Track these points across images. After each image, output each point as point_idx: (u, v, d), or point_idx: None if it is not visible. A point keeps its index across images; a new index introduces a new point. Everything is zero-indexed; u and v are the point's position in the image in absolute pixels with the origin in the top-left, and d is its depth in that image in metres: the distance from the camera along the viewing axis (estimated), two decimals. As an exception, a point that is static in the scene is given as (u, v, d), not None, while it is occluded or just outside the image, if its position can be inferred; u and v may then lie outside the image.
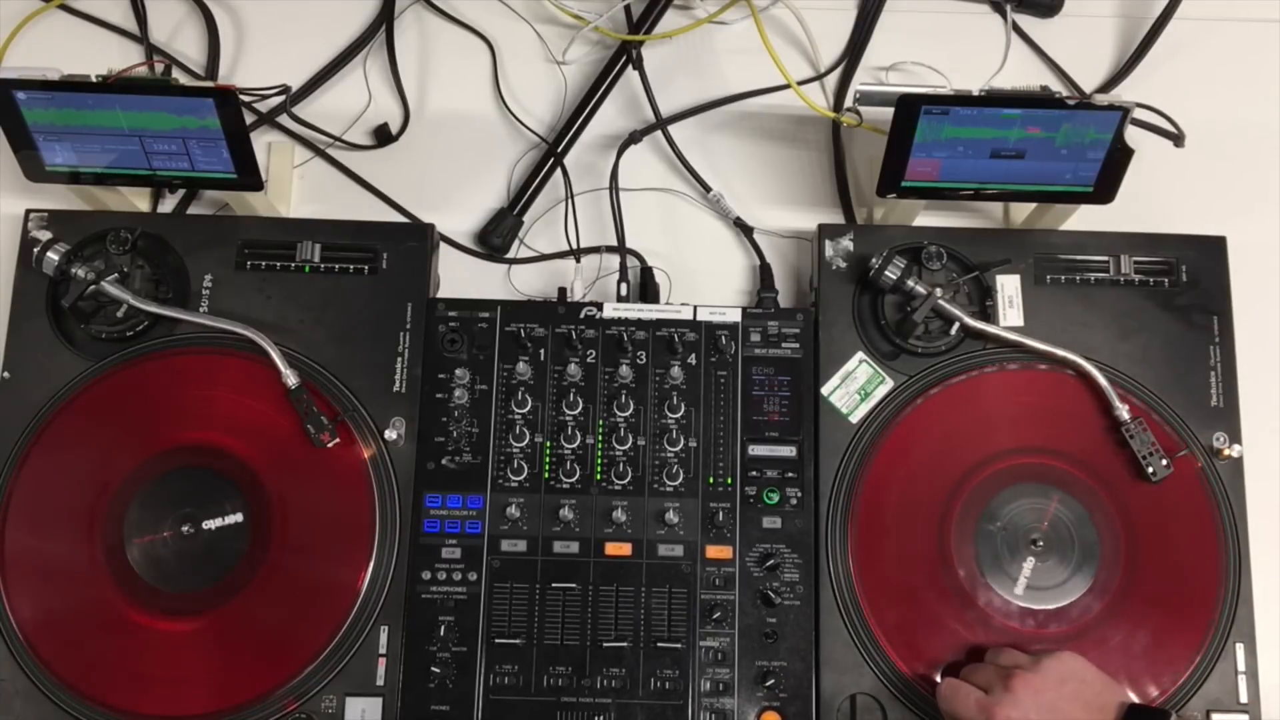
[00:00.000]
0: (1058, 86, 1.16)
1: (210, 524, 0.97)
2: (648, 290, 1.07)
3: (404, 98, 1.16)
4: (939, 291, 1.00)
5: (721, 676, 0.95)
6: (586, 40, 1.18)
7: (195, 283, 1.03)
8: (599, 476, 0.99)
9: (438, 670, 0.95)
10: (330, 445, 0.98)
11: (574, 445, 1.00)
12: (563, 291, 1.05)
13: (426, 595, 0.97)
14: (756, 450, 1.00)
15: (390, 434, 0.99)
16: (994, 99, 0.95)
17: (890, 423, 1.01)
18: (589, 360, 1.02)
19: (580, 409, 1.00)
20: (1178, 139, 1.04)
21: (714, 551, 0.98)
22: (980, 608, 0.97)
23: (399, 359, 1.01)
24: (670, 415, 1.00)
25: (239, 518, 0.97)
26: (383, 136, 1.15)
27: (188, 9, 1.18)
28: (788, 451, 1.00)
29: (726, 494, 0.99)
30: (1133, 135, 0.97)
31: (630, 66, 1.13)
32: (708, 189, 1.13)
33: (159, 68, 1.14)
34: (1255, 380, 1.04)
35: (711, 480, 0.99)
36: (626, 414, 1.00)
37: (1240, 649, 0.97)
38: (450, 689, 0.95)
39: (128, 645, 0.96)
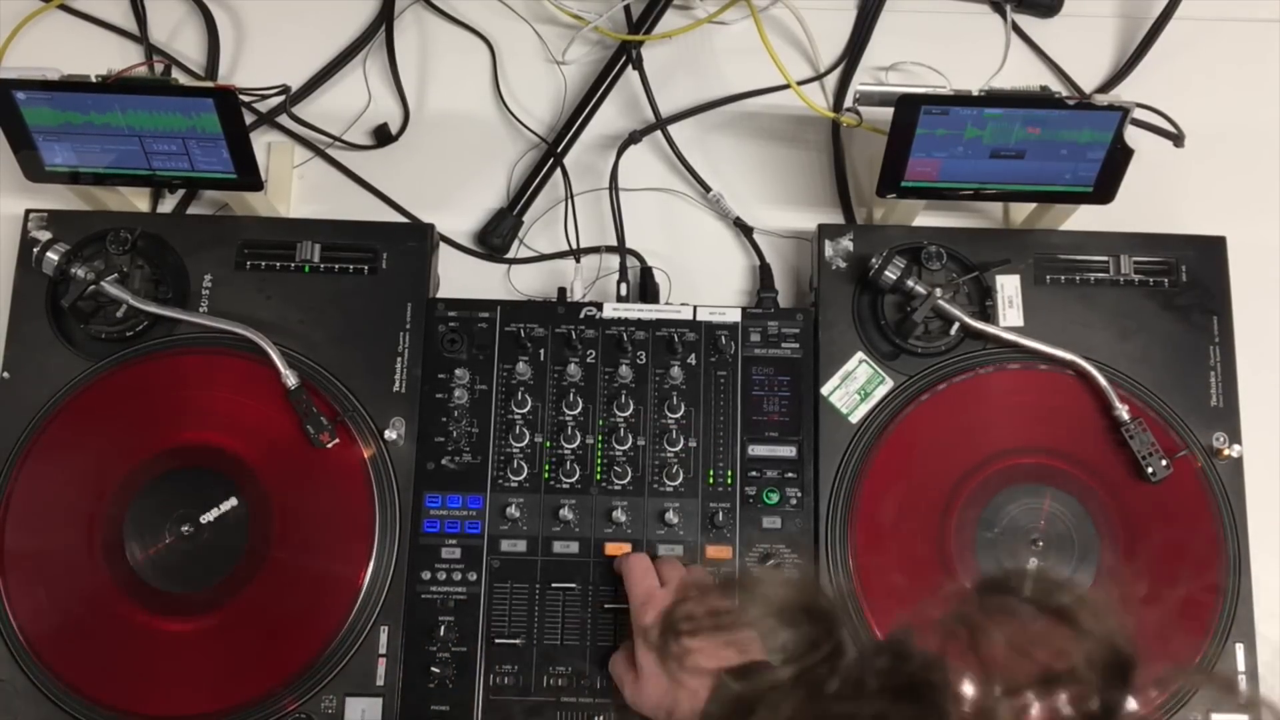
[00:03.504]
0: (1058, 86, 1.15)
1: (209, 523, 0.97)
2: (647, 290, 1.07)
3: (404, 98, 1.16)
4: (939, 291, 1.00)
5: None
6: (586, 40, 1.18)
7: (195, 283, 1.03)
8: (599, 476, 0.99)
9: (438, 670, 0.95)
10: (330, 445, 0.98)
11: (574, 445, 1.00)
12: (562, 291, 1.05)
13: (426, 595, 0.97)
14: (756, 450, 1.00)
15: (390, 434, 0.99)
16: (994, 99, 0.95)
17: (890, 423, 1.01)
18: (589, 360, 1.02)
19: (580, 409, 1.00)
20: (1178, 139, 1.04)
21: (714, 551, 0.98)
22: (980, 608, 0.97)
23: (399, 359, 1.01)
24: (670, 415, 1.00)
25: (239, 518, 0.97)
26: (383, 136, 1.15)
27: (188, 9, 1.18)
28: (788, 451, 1.00)
29: (726, 494, 0.99)
30: (1133, 135, 0.97)
31: (630, 66, 1.13)
32: (708, 189, 1.13)
33: (159, 68, 1.14)
34: (1255, 380, 1.04)
35: (711, 480, 0.99)
36: (626, 414, 1.00)
37: (1240, 649, 0.97)
38: (450, 689, 0.95)
39: (128, 645, 0.95)
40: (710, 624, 0.66)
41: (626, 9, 1.16)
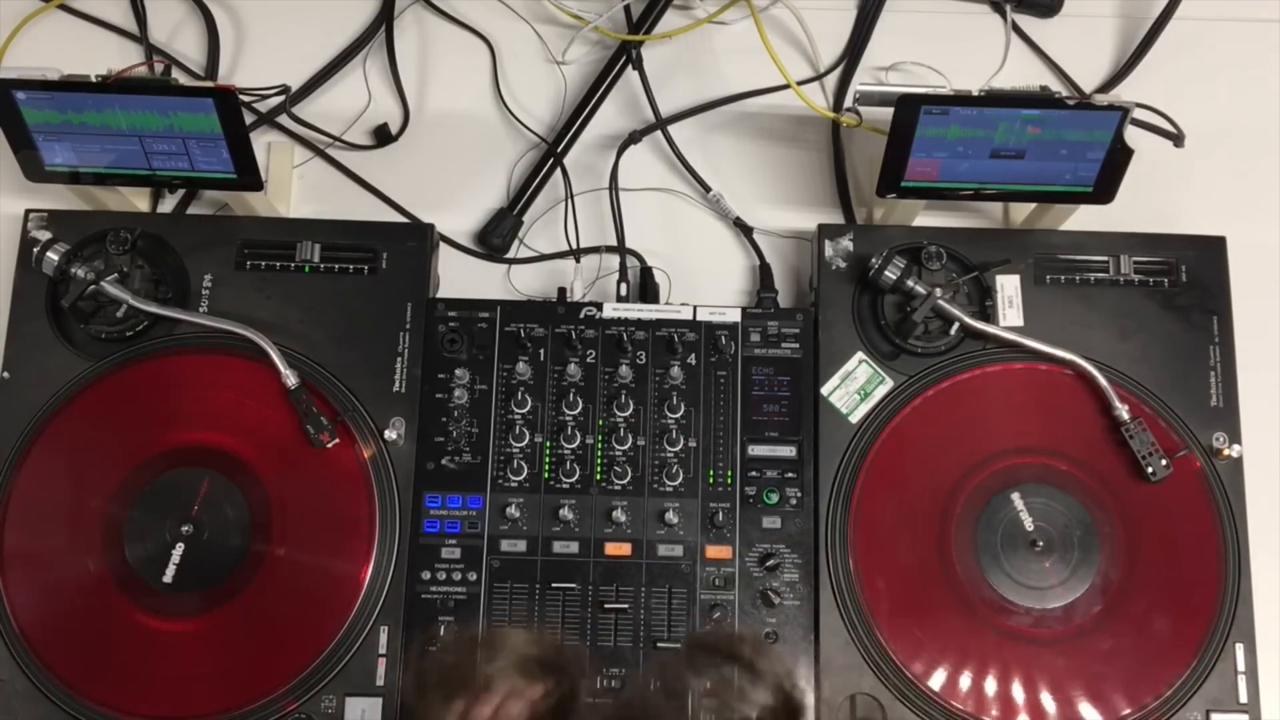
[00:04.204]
0: (1058, 86, 1.16)
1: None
2: (647, 290, 1.07)
3: (404, 98, 1.16)
4: (939, 291, 1.00)
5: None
6: (586, 40, 1.18)
7: (195, 283, 1.03)
8: (599, 476, 0.99)
9: (438, 670, 0.95)
10: (330, 445, 0.98)
11: (574, 445, 1.00)
12: (562, 291, 1.05)
13: (426, 595, 0.97)
14: (756, 450, 1.00)
15: (390, 434, 0.99)
16: (994, 99, 0.95)
17: (890, 423, 1.01)
18: (589, 360, 1.02)
19: (580, 409, 1.00)
20: (1178, 139, 1.04)
21: (714, 551, 0.98)
22: (980, 607, 0.97)
23: (399, 359, 1.01)
24: (670, 415, 1.00)
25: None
26: (383, 136, 1.15)
27: (188, 9, 1.18)
28: (788, 451, 1.00)
29: (726, 494, 0.99)
30: (1133, 135, 0.97)
31: (630, 66, 1.13)
32: (707, 189, 1.13)
33: (159, 68, 1.14)
34: (1255, 380, 1.04)
35: (711, 480, 0.99)
36: (626, 414, 1.00)
37: (1240, 649, 0.97)
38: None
39: (128, 645, 0.96)
40: (460, 677, 0.75)
41: (626, 9, 1.16)
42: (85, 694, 0.94)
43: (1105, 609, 0.97)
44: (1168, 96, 1.06)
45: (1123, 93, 0.96)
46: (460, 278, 1.10)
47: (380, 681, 0.95)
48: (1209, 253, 1.05)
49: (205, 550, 0.96)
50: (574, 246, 1.10)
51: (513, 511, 0.98)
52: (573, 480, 0.99)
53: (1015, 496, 0.98)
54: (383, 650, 0.95)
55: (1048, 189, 1.01)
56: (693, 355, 1.02)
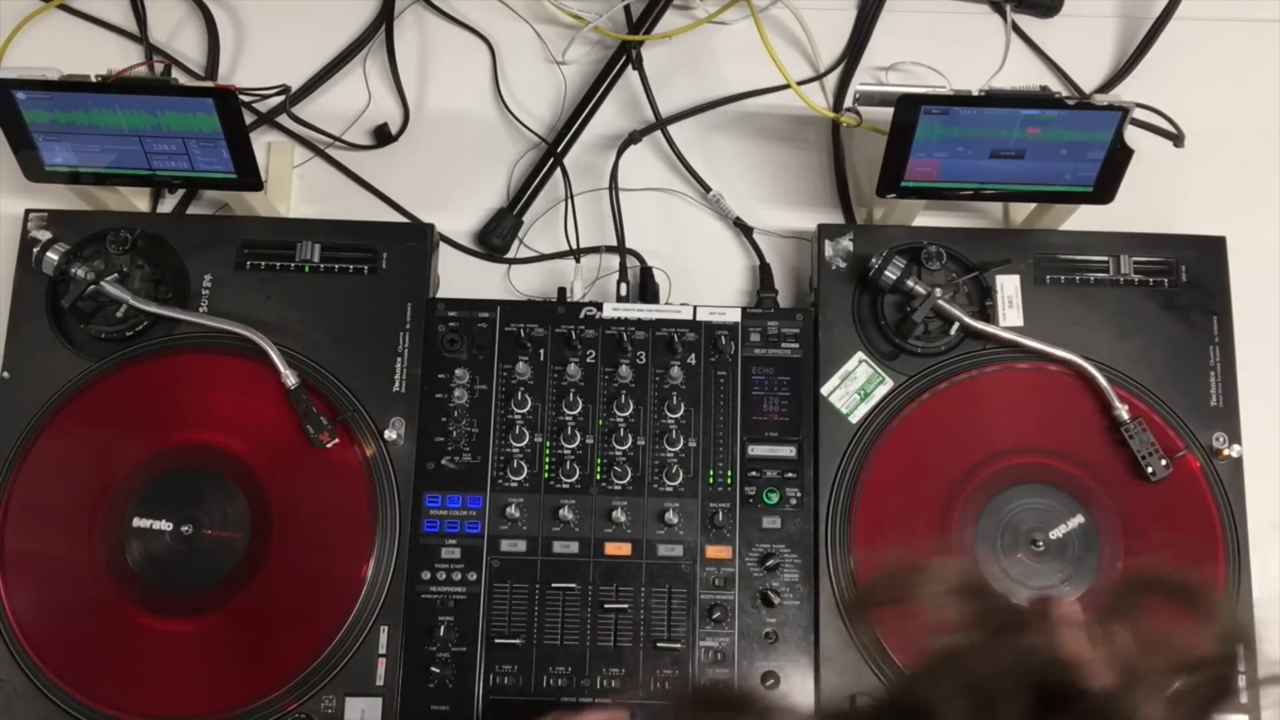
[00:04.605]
0: (1058, 86, 1.16)
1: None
2: (647, 290, 1.07)
3: (404, 98, 1.16)
4: (939, 291, 1.00)
5: (721, 677, 0.95)
6: (586, 40, 1.18)
7: (195, 283, 1.03)
8: (599, 476, 0.99)
9: (438, 670, 0.95)
10: (330, 445, 0.98)
11: (574, 445, 1.00)
12: (562, 291, 1.05)
13: (426, 595, 0.97)
14: (756, 450, 1.00)
15: (390, 434, 0.99)
16: (994, 99, 0.95)
17: (890, 423, 1.01)
18: (589, 360, 1.02)
19: (580, 409, 1.00)
20: (1178, 139, 1.04)
21: (714, 551, 0.98)
22: (980, 608, 0.97)
23: (399, 359, 1.01)
24: (670, 415, 1.00)
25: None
26: (383, 136, 1.15)
27: (188, 9, 1.18)
28: (788, 451, 1.00)
29: (726, 494, 0.99)
30: (1133, 135, 0.97)
31: (630, 66, 1.13)
32: (707, 189, 1.13)
33: (159, 68, 1.14)
34: (1255, 380, 1.04)
35: (711, 480, 0.99)
36: (626, 414, 1.00)
37: (1240, 649, 0.96)
38: (450, 689, 0.95)
39: (128, 645, 0.96)
40: (894, 596, 0.76)
41: (626, 9, 1.16)
42: (85, 694, 0.94)
43: (1104, 609, 0.97)
44: (1168, 96, 1.06)
45: (1123, 93, 0.96)
46: (460, 278, 1.10)
47: (380, 681, 0.95)
48: (1209, 253, 1.05)
49: (205, 550, 0.96)
50: (574, 246, 1.10)
51: (512, 511, 0.98)
52: (573, 480, 0.99)
53: (1079, 517, 0.98)
54: (383, 650, 0.95)
55: (1048, 189, 1.01)
56: (693, 355, 1.02)
